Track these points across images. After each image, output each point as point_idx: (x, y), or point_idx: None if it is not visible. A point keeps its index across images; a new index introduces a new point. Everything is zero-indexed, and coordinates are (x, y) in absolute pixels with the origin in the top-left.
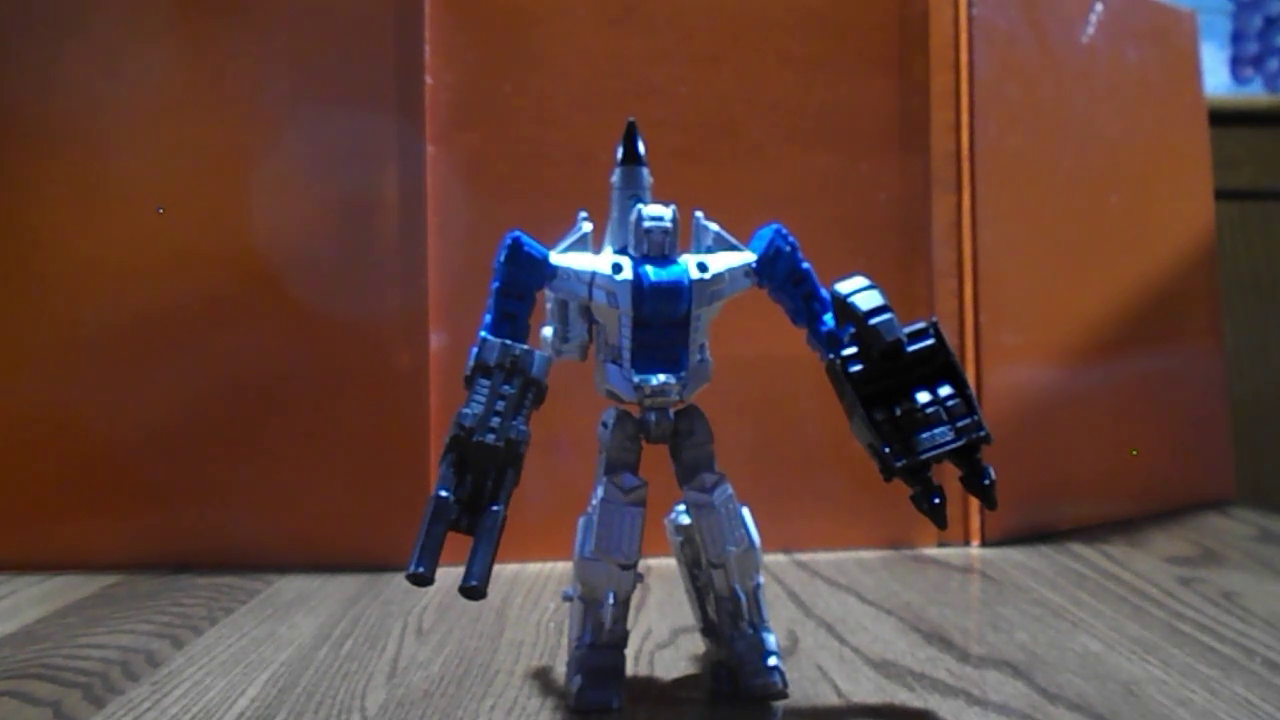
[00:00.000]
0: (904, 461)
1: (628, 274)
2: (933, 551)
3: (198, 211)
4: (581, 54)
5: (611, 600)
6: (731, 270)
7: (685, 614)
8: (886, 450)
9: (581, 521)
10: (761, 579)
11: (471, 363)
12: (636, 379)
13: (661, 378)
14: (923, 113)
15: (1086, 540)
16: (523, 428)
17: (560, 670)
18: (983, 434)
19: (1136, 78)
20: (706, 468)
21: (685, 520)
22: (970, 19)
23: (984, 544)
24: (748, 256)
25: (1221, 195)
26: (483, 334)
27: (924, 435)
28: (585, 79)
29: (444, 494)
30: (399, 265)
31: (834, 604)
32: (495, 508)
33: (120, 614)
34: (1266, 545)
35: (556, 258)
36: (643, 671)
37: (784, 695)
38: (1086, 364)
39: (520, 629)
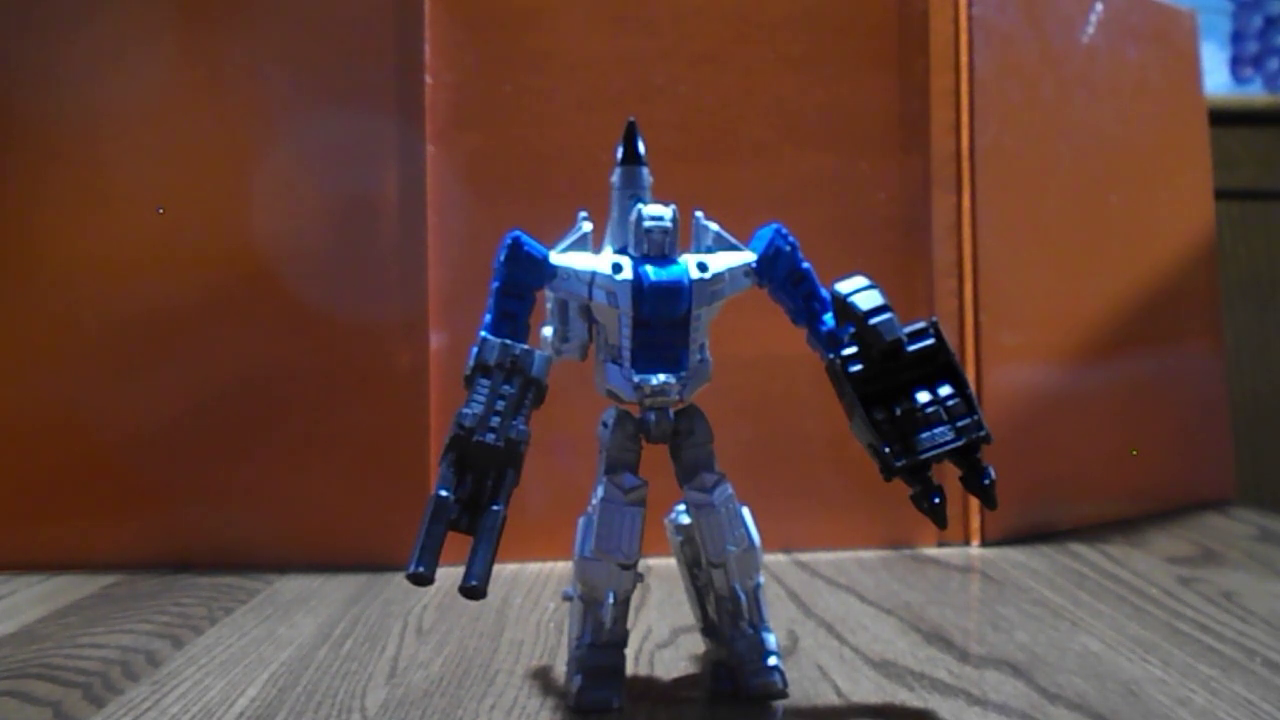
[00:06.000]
0: (904, 461)
1: (628, 274)
2: (933, 551)
3: (198, 211)
4: (581, 54)
5: (611, 600)
6: (731, 270)
7: (685, 614)
8: (886, 450)
9: (581, 521)
10: (761, 579)
11: (471, 362)
12: (636, 379)
13: (661, 377)
14: (923, 113)
15: (1086, 540)
16: (523, 427)
17: (560, 670)
18: (983, 434)
19: (1136, 78)
20: (706, 467)
21: (685, 520)
22: (970, 19)
23: (984, 544)
24: (748, 256)
25: (1221, 195)
26: (483, 334)
27: (924, 435)
28: (585, 79)
29: (444, 494)
30: (399, 265)
31: (834, 604)
32: (495, 507)
33: (120, 614)
34: (1266, 545)
35: (556, 257)
36: (643, 671)
37: (784, 695)
38: (1086, 364)
39: (520, 629)
